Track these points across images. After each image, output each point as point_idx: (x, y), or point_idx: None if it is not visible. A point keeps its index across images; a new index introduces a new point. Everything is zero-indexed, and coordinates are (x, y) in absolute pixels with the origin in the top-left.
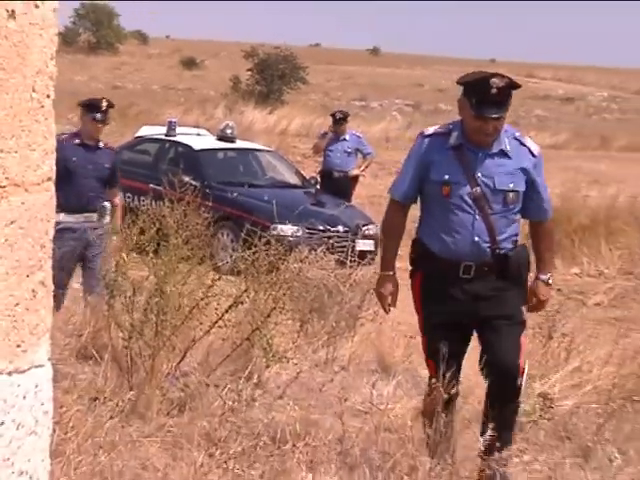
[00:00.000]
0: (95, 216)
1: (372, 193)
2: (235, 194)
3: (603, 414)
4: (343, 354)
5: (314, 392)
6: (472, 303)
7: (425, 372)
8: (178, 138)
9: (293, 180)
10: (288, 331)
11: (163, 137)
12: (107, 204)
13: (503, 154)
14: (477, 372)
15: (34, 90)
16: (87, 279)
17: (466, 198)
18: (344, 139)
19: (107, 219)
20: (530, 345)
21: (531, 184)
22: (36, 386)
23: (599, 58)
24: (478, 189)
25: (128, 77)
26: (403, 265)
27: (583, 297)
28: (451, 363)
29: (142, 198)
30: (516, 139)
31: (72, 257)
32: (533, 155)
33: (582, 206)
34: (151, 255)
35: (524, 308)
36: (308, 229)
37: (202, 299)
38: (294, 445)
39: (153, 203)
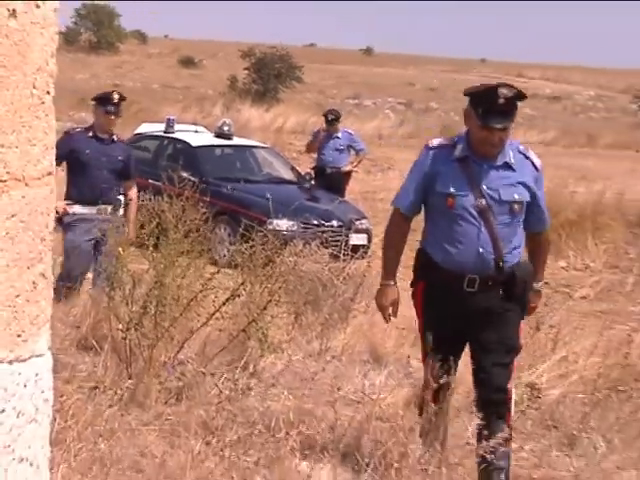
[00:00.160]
0: (109, 208)
1: (365, 189)
2: (232, 189)
3: (588, 403)
4: (336, 345)
5: (308, 382)
6: (473, 319)
7: (416, 363)
8: (177, 135)
9: (288, 176)
10: (283, 323)
11: (162, 134)
12: (121, 197)
13: (508, 167)
14: (465, 362)
15: (35, 87)
16: (97, 270)
17: (471, 210)
18: (336, 137)
19: (120, 212)
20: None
21: (532, 197)
22: (36, 375)
23: (586, 58)
24: (483, 201)
25: (128, 76)
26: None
27: (570, 290)
28: (448, 365)
29: (141, 193)
30: (520, 152)
31: (88, 247)
32: (536, 169)
33: (569, 202)
34: (151, 249)
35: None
36: (303, 224)
37: (200, 292)
38: (288, 433)
39: (152, 198)
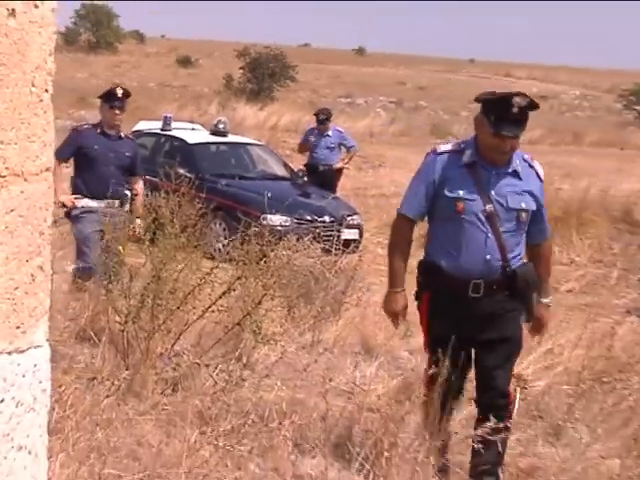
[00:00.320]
0: (117, 203)
1: (357, 185)
2: (227, 186)
3: (573, 394)
4: (328, 337)
5: (300, 373)
6: (477, 323)
7: (405, 354)
8: (173, 132)
9: (282, 173)
10: (276, 315)
11: (159, 131)
12: (127, 192)
13: (515, 174)
14: None
15: (33, 85)
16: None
17: (480, 215)
18: (327, 135)
19: (127, 207)
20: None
21: (537, 207)
22: (35, 365)
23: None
24: (491, 207)
25: (126, 75)
26: (384, 252)
27: (556, 284)
28: (455, 377)
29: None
30: (525, 161)
31: (96, 237)
32: (540, 179)
33: (555, 198)
34: (147, 243)
35: (524, 326)
36: (296, 219)
37: (197, 285)
38: (281, 423)
39: (149, 194)
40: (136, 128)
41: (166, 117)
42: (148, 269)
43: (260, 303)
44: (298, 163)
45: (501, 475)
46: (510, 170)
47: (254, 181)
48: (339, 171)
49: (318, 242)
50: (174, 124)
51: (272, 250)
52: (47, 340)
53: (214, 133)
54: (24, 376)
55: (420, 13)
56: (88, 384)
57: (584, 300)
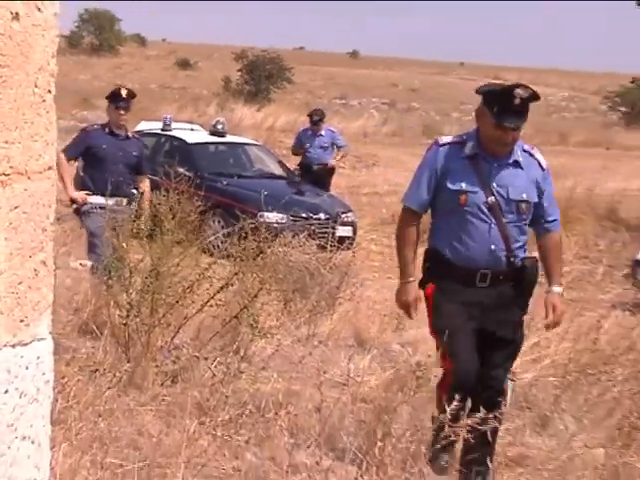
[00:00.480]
0: (125, 201)
1: (351, 184)
2: (225, 184)
3: (560, 386)
4: (323, 330)
5: (296, 365)
6: (483, 312)
7: (398, 347)
8: (173, 133)
9: (278, 171)
10: (273, 309)
11: (159, 132)
12: (135, 191)
13: (517, 165)
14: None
15: (36, 86)
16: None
17: (482, 207)
18: (320, 135)
19: (134, 205)
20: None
21: (540, 197)
22: (38, 358)
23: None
24: (493, 198)
25: (128, 77)
26: (378, 248)
27: (543, 279)
28: (470, 358)
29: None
30: (525, 151)
31: (106, 232)
32: (542, 168)
33: None
34: (145, 239)
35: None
36: (292, 216)
37: (197, 280)
38: (277, 413)
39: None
40: (137, 128)
41: (166, 118)
42: (147, 264)
43: (256, 297)
44: (294, 162)
45: (490, 464)
46: (511, 161)
47: (251, 180)
48: (332, 170)
49: (313, 239)
50: (174, 124)
51: (269, 247)
52: (50, 333)
53: (213, 133)
54: (27, 368)
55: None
56: (90, 376)
57: (570, 295)
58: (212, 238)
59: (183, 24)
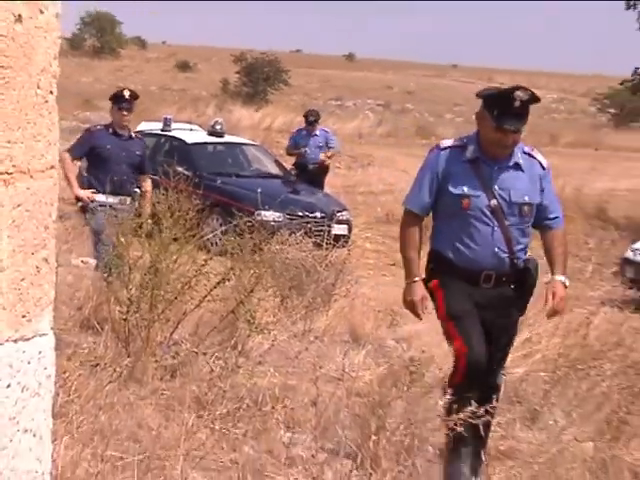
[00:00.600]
0: (128, 199)
1: (346, 183)
2: (223, 183)
3: (550, 381)
4: (319, 326)
5: (292, 360)
6: (484, 310)
7: (392, 343)
8: (173, 133)
9: (275, 171)
10: (270, 306)
11: (159, 132)
12: (138, 190)
13: (518, 167)
14: (438, 343)
15: (39, 87)
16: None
17: (485, 210)
18: (315, 135)
19: (136, 204)
20: None
21: (542, 197)
22: (39, 352)
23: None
24: (495, 201)
25: (129, 79)
26: (372, 246)
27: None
28: (481, 341)
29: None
30: (525, 152)
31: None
32: (543, 168)
33: None
34: (144, 237)
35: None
36: (289, 215)
37: (194, 276)
38: (273, 407)
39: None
40: (138, 129)
41: (166, 118)
42: (146, 261)
43: (252, 292)
44: (290, 162)
45: (483, 457)
46: (512, 164)
47: (249, 179)
48: (326, 168)
49: (309, 237)
50: (173, 125)
51: (266, 244)
52: (52, 329)
53: (211, 134)
54: (29, 363)
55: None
56: (91, 370)
57: None
58: (210, 236)
59: (183, 27)
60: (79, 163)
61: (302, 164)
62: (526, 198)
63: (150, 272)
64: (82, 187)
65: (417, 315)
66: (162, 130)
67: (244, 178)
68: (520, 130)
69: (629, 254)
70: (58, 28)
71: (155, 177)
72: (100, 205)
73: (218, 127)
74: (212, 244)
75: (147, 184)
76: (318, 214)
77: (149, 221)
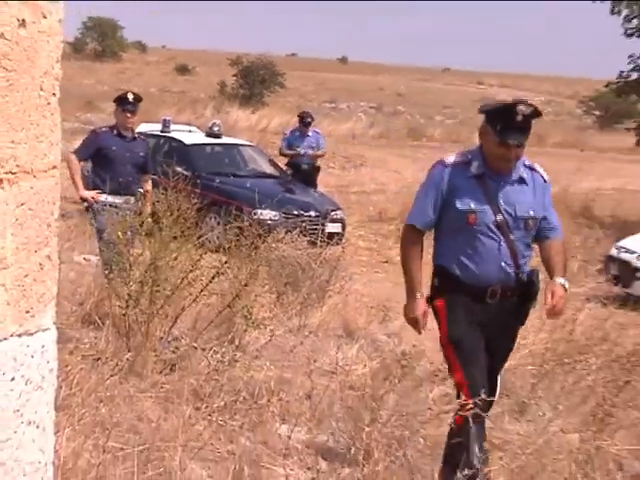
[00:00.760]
0: (133, 199)
1: (340, 183)
2: (221, 183)
3: (537, 374)
4: (313, 321)
5: (287, 354)
6: (491, 325)
7: (384, 338)
8: (172, 134)
9: (271, 171)
10: (266, 301)
11: (159, 133)
12: (141, 190)
13: (522, 181)
14: (428, 338)
15: (42, 89)
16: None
17: (491, 226)
18: (308, 136)
19: (139, 204)
20: None
21: (545, 210)
22: (42, 347)
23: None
24: (501, 216)
25: (129, 81)
26: (365, 244)
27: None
28: (479, 367)
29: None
30: (526, 166)
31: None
32: (544, 181)
33: None
34: (144, 235)
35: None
36: (284, 214)
37: (190, 271)
38: (269, 400)
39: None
40: (138, 130)
41: (165, 120)
42: (146, 258)
43: (247, 285)
44: (282, 162)
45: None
46: (516, 178)
47: (246, 179)
48: (318, 168)
49: (304, 235)
50: (173, 126)
51: (263, 242)
52: (54, 324)
53: (209, 135)
54: (33, 356)
55: (398, 25)
56: (93, 364)
57: None
58: (209, 235)
59: (182, 31)
60: (81, 164)
61: (295, 164)
62: (531, 212)
63: (150, 269)
64: (87, 188)
65: (418, 331)
66: (161, 131)
67: (241, 178)
68: (523, 144)
69: (613, 252)
70: (61, 32)
71: (155, 177)
72: (105, 206)
73: (216, 128)
74: (210, 242)
75: (148, 184)
76: (313, 213)
77: (149, 220)
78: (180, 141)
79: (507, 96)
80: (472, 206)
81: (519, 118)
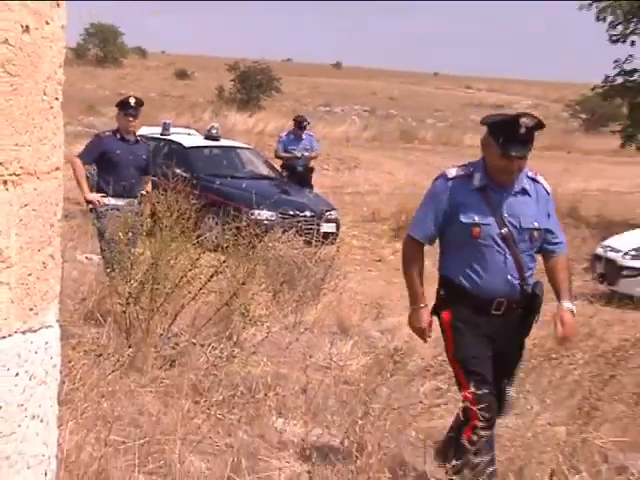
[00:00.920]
0: (136, 201)
1: (334, 184)
2: (219, 184)
3: (525, 369)
4: (308, 318)
5: (284, 350)
6: (495, 336)
7: (377, 334)
8: (172, 137)
9: (268, 173)
10: (263, 299)
11: (159, 136)
12: (143, 192)
13: (525, 192)
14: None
15: (45, 93)
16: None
17: (496, 238)
18: (302, 139)
19: (141, 205)
20: None
21: (549, 222)
22: (46, 343)
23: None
24: (506, 229)
25: (130, 86)
26: (359, 243)
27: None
28: (488, 385)
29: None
30: (529, 177)
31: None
32: (547, 192)
33: None
34: (145, 235)
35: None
36: (281, 214)
37: (189, 270)
38: (266, 394)
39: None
40: (139, 133)
41: (165, 123)
42: (147, 257)
43: (244, 284)
44: (277, 164)
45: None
46: (519, 189)
47: (243, 180)
48: (312, 170)
49: (300, 235)
50: (172, 129)
51: (259, 241)
52: (57, 321)
53: (208, 137)
54: (36, 353)
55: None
56: (95, 360)
57: None
58: (207, 235)
59: (181, 34)
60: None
61: (291, 166)
62: (535, 224)
63: (151, 268)
64: (91, 190)
65: (424, 340)
66: (161, 134)
67: (239, 179)
68: (526, 156)
69: (599, 251)
70: (63, 38)
71: (155, 178)
72: (109, 209)
73: (214, 131)
74: (208, 241)
75: (148, 185)
76: (308, 213)
77: (149, 221)
78: (179, 144)
79: (494, 100)
80: (476, 219)
81: (522, 131)
